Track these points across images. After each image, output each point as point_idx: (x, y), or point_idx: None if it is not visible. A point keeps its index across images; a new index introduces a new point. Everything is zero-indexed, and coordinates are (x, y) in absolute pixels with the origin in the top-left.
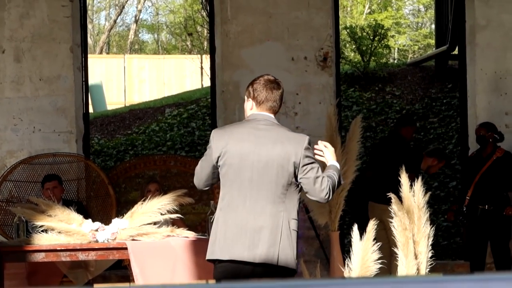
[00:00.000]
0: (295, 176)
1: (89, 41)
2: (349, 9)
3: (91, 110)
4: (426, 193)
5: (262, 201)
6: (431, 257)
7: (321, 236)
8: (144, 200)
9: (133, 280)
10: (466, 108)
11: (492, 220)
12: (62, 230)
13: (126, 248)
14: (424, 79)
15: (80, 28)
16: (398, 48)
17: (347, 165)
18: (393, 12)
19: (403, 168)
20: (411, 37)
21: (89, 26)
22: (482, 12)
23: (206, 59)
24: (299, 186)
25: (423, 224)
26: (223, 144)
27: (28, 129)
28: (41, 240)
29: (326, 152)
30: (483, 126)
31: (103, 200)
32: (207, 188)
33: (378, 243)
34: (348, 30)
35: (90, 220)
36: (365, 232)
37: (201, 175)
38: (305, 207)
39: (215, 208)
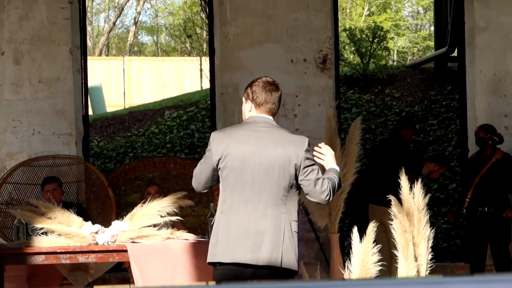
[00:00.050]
0: (296, 178)
1: (89, 43)
2: (348, 11)
3: (90, 112)
4: (426, 195)
5: (264, 203)
6: (431, 259)
7: (321, 238)
8: (144, 203)
9: (133, 283)
10: (465, 110)
11: (491, 222)
12: (62, 233)
13: (126, 251)
14: (423, 81)
15: (79, 30)
16: (397, 50)
17: (347, 167)
18: (392, 14)
19: (403, 170)
20: (410, 39)
21: (89, 28)
22: (481, 14)
23: (206, 61)
24: (299, 188)
25: (423, 226)
26: (223, 146)
27: (27, 131)
28: (41, 243)
29: (327, 155)
30: (483, 128)
31: (103, 202)
32: (206, 191)
33: (378, 245)
34: (347, 32)
35: (90, 222)
36: (365, 234)
37: (200, 177)
38: (304, 209)
39: (215, 210)
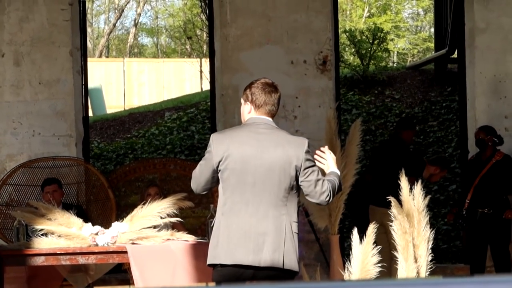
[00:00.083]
0: (296, 180)
1: (89, 44)
2: (348, 12)
3: (90, 113)
4: (425, 196)
5: (265, 205)
6: (431, 261)
7: (321, 240)
8: (144, 204)
9: (133, 284)
10: (465, 111)
11: (491, 224)
12: (62, 234)
13: (126, 252)
14: (423, 82)
15: (79, 31)
16: (397, 52)
17: (347, 168)
18: (392, 16)
19: (403, 171)
20: (410, 40)
21: (89, 30)
22: (481, 15)
23: (206, 62)
24: (299, 189)
25: (423, 227)
26: (224, 148)
27: (27, 132)
28: (41, 244)
29: (329, 159)
30: (483, 130)
31: (103, 203)
32: (205, 192)
33: (378, 247)
34: (347, 34)
35: (90, 223)
36: (365, 235)
37: (199, 179)
38: (305, 211)
39: (215, 212)
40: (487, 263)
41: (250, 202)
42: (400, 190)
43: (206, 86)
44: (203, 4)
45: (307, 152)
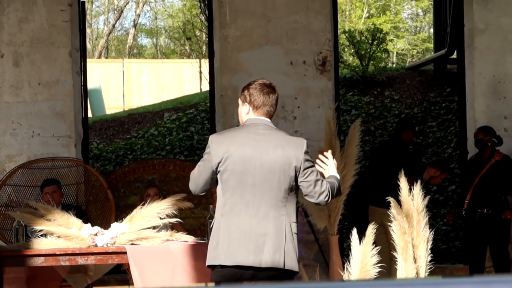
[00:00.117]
0: (296, 180)
1: (88, 45)
2: (347, 13)
3: (90, 114)
4: (425, 197)
5: (265, 205)
6: (430, 261)
7: (320, 240)
8: (143, 205)
9: (132, 284)
10: (465, 112)
11: (491, 224)
12: (61, 235)
13: (125, 253)
14: (422, 83)
15: (79, 32)
16: (396, 52)
17: (346, 169)
18: (392, 16)
19: (403, 172)
20: (409, 41)
21: (88, 31)
22: (480, 16)
23: (205, 63)
24: (298, 189)
25: (422, 228)
26: (224, 149)
27: (27, 133)
28: (40, 245)
29: (331, 164)
30: (482, 130)
31: (102, 204)
32: (203, 193)
33: (378, 247)
34: (346, 34)
35: (89, 224)
36: (365, 236)
37: (198, 180)
38: (304, 211)
39: (214, 212)
40: (486, 264)
41: (250, 203)
42: (399, 191)
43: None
44: (202, 5)
45: (306, 152)
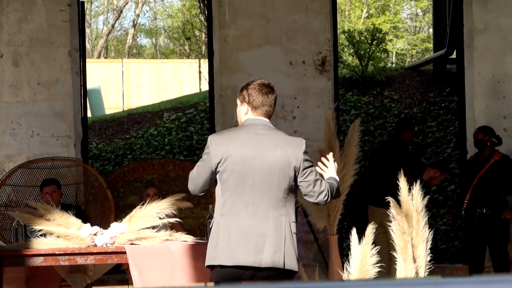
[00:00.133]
0: (295, 180)
1: (87, 45)
2: (347, 13)
3: (89, 114)
4: (424, 197)
5: (265, 206)
6: (429, 261)
7: (320, 240)
8: (142, 204)
9: (131, 284)
10: (464, 112)
11: (490, 224)
12: (61, 234)
13: (124, 252)
14: (422, 83)
15: (78, 32)
16: (396, 52)
17: (346, 169)
18: (391, 16)
19: (402, 172)
20: (409, 41)
21: (87, 31)
22: (480, 16)
23: (204, 63)
24: (297, 189)
25: (421, 227)
26: (223, 149)
27: (26, 133)
28: (39, 244)
29: (331, 167)
30: (481, 130)
31: (102, 204)
32: (201, 194)
33: (377, 247)
34: (346, 34)
35: (88, 224)
36: (364, 235)
37: (197, 180)
38: (303, 211)
39: (214, 212)
40: (486, 263)
41: (250, 203)
42: (399, 191)
43: (205, 87)
44: (201, 5)
45: (305, 152)
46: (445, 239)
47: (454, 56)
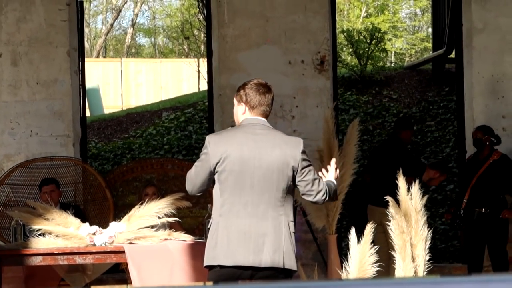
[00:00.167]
0: (293, 180)
1: (86, 45)
2: (346, 12)
3: (88, 114)
4: (423, 196)
5: (264, 205)
6: (428, 260)
7: (319, 240)
8: (141, 204)
9: (130, 283)
10: (463, 111)
11: (489, 223)
12: (60, 234)
13: (123, 252)
14: (421, 82)
15: (77, 32)
16: (395, 52)
17: (344, 168)
18: (390, 16)
19: (402, 171)
20: (408, 40)
21: (86, 30)
22: (479, 16)
23: (203, 62)
24: (295, 189)
25: (420, 227)
26: (222, 149)
27: (25, 133)
28: (38, 244)
29: (331, 171)
30: (480, 129)
31: (101, 203)
32: (199, 194)
33: (376, 246)
34: (345, 34)
35: (87, 223)
36: (363, 235)
37: (195, 180)
38: (302, 211)
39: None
40: (485, 263)
41: (249, 203)
42: (398, 190)
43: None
44: (200, 4)
45: (303, 152)
46: (444, 239)
47: (453, 55)
